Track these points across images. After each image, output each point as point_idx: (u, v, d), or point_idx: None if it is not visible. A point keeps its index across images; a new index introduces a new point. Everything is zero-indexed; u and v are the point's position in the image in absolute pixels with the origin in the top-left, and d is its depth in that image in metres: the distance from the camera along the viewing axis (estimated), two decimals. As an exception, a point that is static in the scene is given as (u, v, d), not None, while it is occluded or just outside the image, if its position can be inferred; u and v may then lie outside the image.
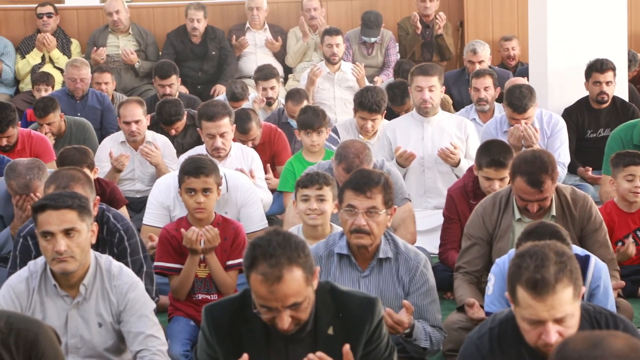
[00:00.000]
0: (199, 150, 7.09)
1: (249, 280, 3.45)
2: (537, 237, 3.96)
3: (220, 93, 10.15)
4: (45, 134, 8.00)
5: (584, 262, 4.44)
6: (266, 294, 3.40)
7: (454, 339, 4.87)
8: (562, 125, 7.58)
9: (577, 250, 4.53)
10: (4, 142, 7.38)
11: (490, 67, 9.62)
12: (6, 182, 5.93)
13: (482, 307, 4.88)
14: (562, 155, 7.45)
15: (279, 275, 3.38)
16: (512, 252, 4.33)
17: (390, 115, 8.12)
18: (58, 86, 9.93)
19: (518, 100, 7.16)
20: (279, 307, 3.42)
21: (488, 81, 8.29)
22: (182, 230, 5.23)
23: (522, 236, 4.28)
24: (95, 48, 10.42)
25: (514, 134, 7.11)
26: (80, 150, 6.41)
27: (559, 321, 3.23)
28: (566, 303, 3.23)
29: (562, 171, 7.28)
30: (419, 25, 10.70)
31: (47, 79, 9.64)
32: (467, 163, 6.96)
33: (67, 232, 4.11)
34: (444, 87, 7.49)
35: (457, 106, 8.79)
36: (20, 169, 5.86)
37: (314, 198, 5.25)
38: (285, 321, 3.44)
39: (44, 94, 9.20)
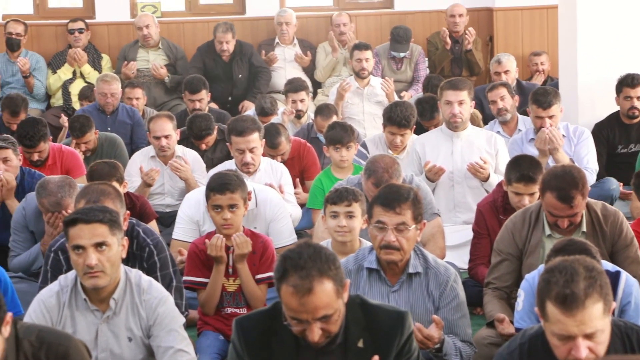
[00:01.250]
0: (229, 165, 7.10)
1: (279, 292, 3.47)
2: (566, 254, 3.94)
3: (248, 109, 10.18)
4: (82, 151, 8.07)
5: (614, 277, 4.41)
6: (297, 306, 3.41)
7: (484, 354, 4.84)
8: (588, 134, 7.64)
9: (608, 266, 4.50)
10: (36, 157, 7.43)
11: (518, 80, 9.62)
12: (37, 200, 5.98)
13: (512, 322, 4.86)
14: (590, 161, 7.50)
15: (310, 287, 3.39)
16: (541, 267, 4.30)
17: (420, 130, 8.11)
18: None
19: (542, 97, 7.26)
20: (310, 320, 3.43)
21: (502, 91, 8.30)
22: (206, 240, 5.23)
23: (551, 253, 4.26)
24: (125, 62, 10.48)
25: (540, 137, 7.18)
26: (110, 164, 6.45)
27: (589, 337, 3.21)
28: (596, 318, 3.21)
29: (590, 176, 7.26)
30: (448, 40, 10.71)
31: (92, 94, 9.70)
32: (496, 178, 6.94)
33: (98, 246, 4.13)
34: (473, 101, 7.48)
35: (487, 121, 8.77)
36: (52, 187, 5.90)
37: (343, 215, 5.24)
38: (315, 333, 3.44)
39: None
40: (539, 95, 7.37)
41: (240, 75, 10.63)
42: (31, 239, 6.27)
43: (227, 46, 10.57)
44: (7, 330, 3.23)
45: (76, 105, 10.02)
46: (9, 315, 3.22)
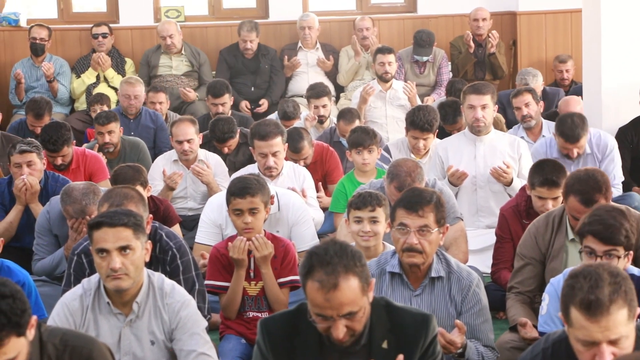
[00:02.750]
0: (251, 169, 7.11)
1: (305, 289, 3.48)
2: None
3: (265, 107, 10.37)
4: (105, 144, 8.12)
5: (639, 282, 4.39)
6: (322, 302, 3.42)
7: (507, 359, 4.83)
8: (613, 145, 7.48)
9: (633, 270, 4.47)
10: (59, 161, 7.46)
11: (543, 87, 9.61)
12: (62, 207, 6.01)
13: (535, 327, 4.85)
14: (617, 177, 7.39)
15: (335, 282, 3.40)
16: (567, 271, 4.28)
17: (442, 134, 8.09)
18: (113, 105, 10.04)
19: (570, 130, 7.09)
20: (335, 316, 3.44)
21: (527, 97, 8.27)
22: (229, 243, 5.23)
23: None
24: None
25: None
26: (134, 168, 6.47)
27: (613, 342, 3.20)
28: (621, 324, 3.19)
29: (617, 192, 7.22)
30: (472, 44, 10.70)
31: (102, 99, 9.76)
32: (519, 182, 6.92)
33: (122, 250, 4.14)
34: (496, 106, 7.46)
35: (511, 125, 8.75)
36: (76, 195, 5.94)
37: (367, 220, 5.22)
38: (340, 330, 3.45)
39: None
40: (566, 129, 7.12)
41: (266, 66, 10.68)
42: (55, 243, 6.30)
43: (251, 45, 10.64)
44: (31, 333, 3.25)
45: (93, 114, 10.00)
46: (34, 319, 3.24)
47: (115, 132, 8.25)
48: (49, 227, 6.29)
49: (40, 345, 3.39)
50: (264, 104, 10.59)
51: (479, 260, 6.61)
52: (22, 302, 3.17)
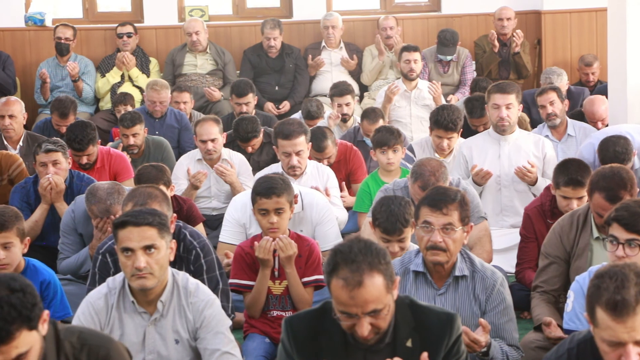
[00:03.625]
0: (275, 168, 7.12)
1: (329, 287, 3.49)
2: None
3: (286, 109, 10.38)
4: (130, 146, 8.15)
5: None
6: (346, 300, 3.43)
7: (532, 358, 4.82)
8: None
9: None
10: (84, 160, 7.49)
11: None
12: (87, 206, 6.04)
13: (559, 326, 4.83)
14: None
15: (360, 280, 3.41)
16: (592, 269, 4.27)
17: (467, 131, 8.07)
18: (137, 104, 10.07)
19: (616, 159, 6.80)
20: (359, 314, 3.45)
21: (552, 96, 8.22)
22: (255, 242, 5.24)
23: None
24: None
25: None
26: (157, 167, 6.49)
27: (639, 343, 3.18)
28: (647, 325, 3.18)
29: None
30: (496, 43, 10.67)
31: (126, 99, 9.80)
32: (544, 182, 6.90)
33: (147, 249, 4.15)
34: (521, 105, 7.43)
35: (535, 124, 8.72)
36: (101, 194, 5.97)
37: (396, 244, 5.11)
38: (365, 328, 3.46)
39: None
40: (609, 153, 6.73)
41: (290, 65, 10.69)
42: (80, 242, 6.33)
43: (274, 42, 10.65)
44: (44, 328, 3.26)
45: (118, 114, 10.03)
46: (46, 313, 3.25)
47: (139, 134, 8.28)
48: (74, 226, 6.32)
49: (57, 343, 3.40)
50: (286, 105, 10.58)
51: (503, 259, 6.60)
52: (33, 296, 3.18)
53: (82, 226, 6.28)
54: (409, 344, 3.62)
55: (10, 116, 8.37)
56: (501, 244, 6.81)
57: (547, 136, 7.98)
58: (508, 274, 6.07)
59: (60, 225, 6.43)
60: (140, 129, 8.27)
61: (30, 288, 3.19)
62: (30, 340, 3.18)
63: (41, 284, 5.20)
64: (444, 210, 4.46)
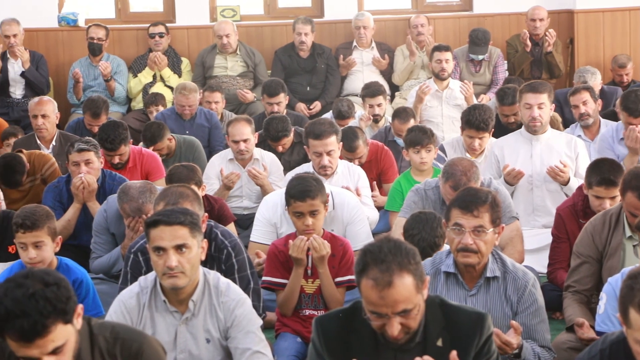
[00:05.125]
0: (306, 168, 7.12)
1: (359, 286, 3.50)
2: None
3: (318, 109, 10.37)
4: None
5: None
6: (376, 300, 3.43)
7: (564, 359, 4.79)
8: None
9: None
10: (116, 159, 7.53)
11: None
12: (119, 205, 6.07)
13: (592, 327, 4.80)
14: None
15: (390, 280, 3.42)
16: (625, 270, 4.24)
17: (499, 130, 8.03)
18: (169, 104, 10.10)
19: (633, 104, 7.16)
20: (389, 314, 3.45)
21: (585, 95, 8.17)
22: (290, 240, 5.25)
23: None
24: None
25: (629, 137, 7.08)
26: (188, 167, 6.51)
27: (673, 344, 3.16)
28: (681, 326, 3.16)
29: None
30: (528, 43, 10.62)
31: (156, 99, 9.85)
32: (576, 182, 6.86)
33: (179, 248, 4.16)
34: (553, 105, 7.39)
35: (568, 124, 8.68)
36: (133, 193, 5.99)
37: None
38: (395, 328, 3.46)
39: (155, 114, 9.43)
40: (629, 103, 7.29)
41: (322, 66, 10.70)
42: (112, 241, 6.36)
43: (305, 38, 10.66)
44: (79, 322, 3.29)
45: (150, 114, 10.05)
46: (80, 307, 3.27)
47: (164, 147, 8.18)
48: (106, 226, 6.35)
49: (91, 338, 3.42)
50: (317, 105, 10.58)
51: (535, 260, 6.57)
52: (67, 289, 3.21)
53: (114, 226, 6.31)
54: (439, 343, 3.62)
55: (43, 116, 8.43)
56: (533, 244, 6.78)
57: (579, 136, 7.93)
58: (540, 275, 6.04)
59: (93, 225, 6.46)
60: (163, 143, 8.18)
61: (64, 282, 3.22)
62: (65, 334, 3.20)
63: (73, 283, 5.23)
64: (474, 213, 4.44)
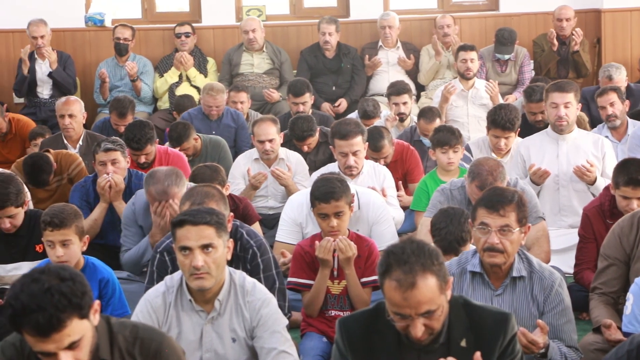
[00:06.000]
0: (331, 168, 7.12)
1: (382, 288, 3.50)
2: None
3: (343, 107, 10.38)
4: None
5: None
6: (400, 301, 3.43)
7: (590, 360, 4.78)
8: None
9: None
10: (142, 159, 7.55)
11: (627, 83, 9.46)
12: (145, 190, 6.05)
13: (619, 328, 4.77)
14: None
15: (413, 281, 3.41)
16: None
17: (525, 130, 7.99)
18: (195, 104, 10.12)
19: None
20: (412, 315, 3.45)
21: (612, 97, 8.12)
22: (316, 242, 5.25)
23: None
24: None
25: None
26: (212, 168, 6.52)
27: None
28: None
29: None
30: (555, 42, 10.57)
31: (185, 102, 9.86)
32: (603, 181, 6.83)
33: (205, 248, 4.17)
34: (580, 104, 7.36)
35: (595, 123, 8.63)
36: (159, 176, 5.98)
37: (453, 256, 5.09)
38: (418, 329, 3.45)
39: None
40: None
41: (348, 66, 10.69)
42: (140, 234, 6.28)
43: (329, 38, 10.66)
44: (96, 318, 3.30)
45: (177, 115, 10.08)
46: (97, 303, 3.29)
47: (190, 147, 8.20)
48: (134, 218, 6.28)
49: (110, 337, 3.44)
50: (342, 102, 10.58)
51: (562, 260, 6.55)
52: (82, 284, 3.22)
53: (142, 218, 6.26)
54: (463, 343, 3.62)
55: (70, 115, 8.47)
56: (559, 245, 6.75)
57: (606, 137, 7.89)
58: (566, 275, 6.02)
59: (122, 218, 6.44)
60: (189, 143, 8.18)
61: (79, 277, 3.24)
62: (81, 329, 3.22)
63: (100, 282, 5.26)
64: (501, 212, 4.43)
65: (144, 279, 5.49)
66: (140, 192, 6.35)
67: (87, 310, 3.23)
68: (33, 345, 3.19)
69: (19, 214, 6.06)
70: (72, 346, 3.20)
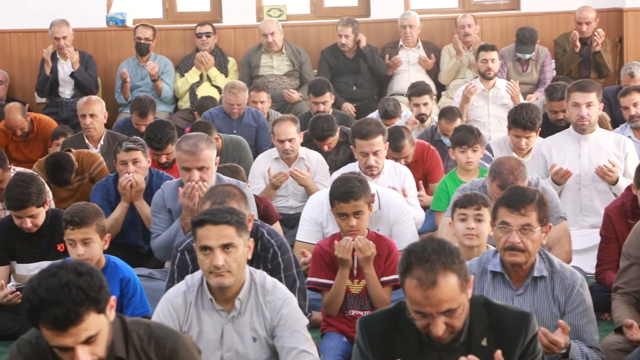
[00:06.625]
0: (352, 167, 7.12)
1: (403, 286, 3.49)
2: None
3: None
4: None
5: None
6: (421, 299, 3.43)
7: (612, 361, 4.76)
8: None
9: None
10: (163, 159, 7.58)
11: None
12: (175, 153, 5.95)
13: (641, 328, 4.76)
14: None
15: (434, 280, 3.41)
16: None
17: (547, 127, 7.96)
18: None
19: None
20: (433, 313, 3.45)
21: (636, 97, 8.07)
22: (335, 241, 5.25)
23: None
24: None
25: None
26: (231, 169, 6.52)
27: None
28: None
29: None
30: (578, 44, 10.51)
31: (207, 104, 9.88)
32: (625, 181, 6.80)
33: (225, 247, 4.18)
34: (602, 104, 7.33)
35: (617, 123, 8.59)
36: (191, 136, 5.95)
37: (472, 217, 5.22)
38: (439, 327, 3.45)
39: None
40: None
41: (365, 65, 10.68)
42: (170, 220, 6.12)
43: (346, 40, 10.65)
44: (112, 314, 3.31)
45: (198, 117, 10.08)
46: (113, 299, 3.30)
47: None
48: (163, 204, 6.14)
49: (125, 335, 3.45)
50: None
51: (583, 260, 6.52)
52: (99, 279, 3.24)
53: (171, 201, 6.12)
54: (484, 342, 3.61)
55: (92, 115, 8.51)
56: (581, 245, 6.73)
57: (629, 137, 7.85)
58: (588, 275, 6.00)
59: (151, 206, 6.32)
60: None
61: (96, 272, 3.25)
62: (98, 323, 3.23)
63: (121, 281, 5.28)
64: (522, 211, 4.42)
65: (166, 275, 5.48)
66: (168, 181, 6.35)
67: (104, 304, 3.25)
68: (50, 340, 3.20)
69: (41, 213, 6.10)
70: (89, 340, 3.21)
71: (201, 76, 10.78)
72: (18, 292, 5.98)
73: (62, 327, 3.15)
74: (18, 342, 3.47)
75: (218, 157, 6.04)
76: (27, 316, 3.19)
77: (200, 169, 5.84)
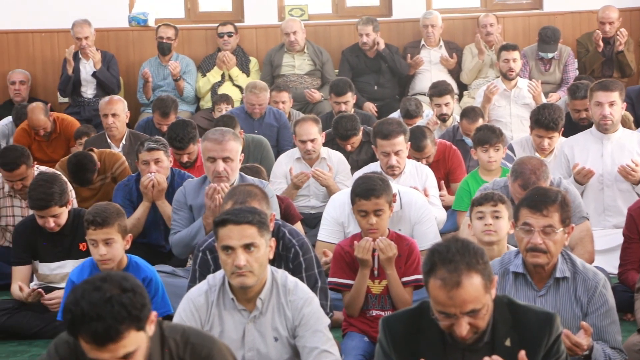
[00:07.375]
0: (374, 167, 7.11)
1: (427, 287, 3.49)
2: None
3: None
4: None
5: None
6: (445, 300, 3.43)
7: (635, 362, 4.73)
8: None
9: None
10: (185, 158, 7.59)
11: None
12: (202, 145, 6.00)
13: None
14: None
15: (458, 280, 3.41)
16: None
17: (570, 126, 7.92)
18: (237, 104, 10.16)
19: None
20: (457, 314, 3.45)
21: None
22: (355, 242, 5.24)
23: None
24: None
25: None
26: (252, 169, 6.53)
27: None
28: None
29: None
30: (601, 43, 10.46)
31: (226, 99, 9.92)
32: (648, 181, 6.78)
33: (247, 247, 4.18)
34: (625, 103, 7.29)
35: (640, 121, 8.56)
36: (218, 128, 6.00)
37: (489, 214, 5.22)
38: (463, 328, 3.44)
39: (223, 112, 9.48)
40: None
41: (386, 65, 10.67)
42: (191, 217, 6.15)
43: (366, 39, 10.64)
44: (151, 329, 3.30)
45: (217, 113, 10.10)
46: (154, 314, 3.28)
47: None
48: (185, 201, 6.15)
49: (162, 341, 3.44)
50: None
51: (606, 260, 6.49)
52: (143, 296, 3.23)
53: (192, 197, 6.14)
54: (507, 343, 3.60)
55: (114, 115, 8.54)
56: (603, 245, 6.70)
57: (652, 136, 7.83)
58: (610, 275, 5.97)
59: (172, 203, 6.33)
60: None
61: (140, 289, 3.24)
62: (137, 341, 3.22)
63: (142, 281, 5.26)
64: (544, 212, 4.40)
65: (188, 273, 5.49)
66: (190, 179, 6.37)
67: (144, 322, 3.24)
68: (88, 352, 3.19)
69: (63, 213, 6.12)
70: (126, 357, 3.21)
71: (223, 76, 10.80)
72: (40, 290, 6.01)
73: (101, 342, 3.15)
74: (56, 341, 3.48)
75: (242, 154, 6.05)
76: (67, 328, 3.19)
77: (225, 160, 5.87)
